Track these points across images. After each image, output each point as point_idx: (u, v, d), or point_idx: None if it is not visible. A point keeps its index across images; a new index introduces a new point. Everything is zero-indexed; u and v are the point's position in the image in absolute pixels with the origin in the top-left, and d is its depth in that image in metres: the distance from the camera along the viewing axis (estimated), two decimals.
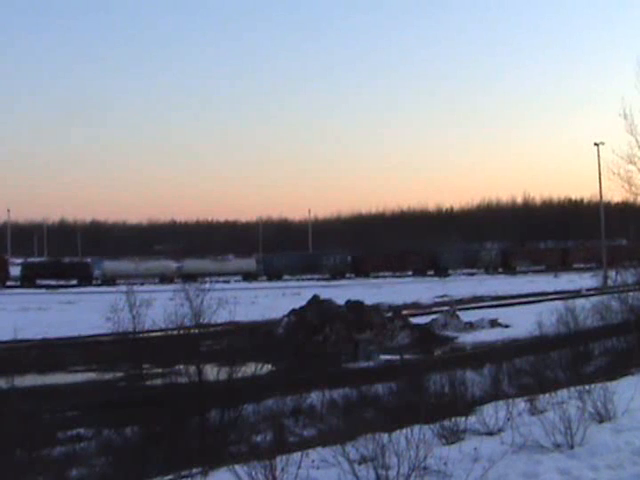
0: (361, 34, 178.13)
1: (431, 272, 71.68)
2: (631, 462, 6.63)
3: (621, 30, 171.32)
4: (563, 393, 9.52)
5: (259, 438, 11.88)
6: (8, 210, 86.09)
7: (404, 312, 30.89)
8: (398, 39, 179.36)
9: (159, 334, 14.19)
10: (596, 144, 51.31)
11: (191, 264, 68.70)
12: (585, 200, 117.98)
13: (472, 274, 70.72)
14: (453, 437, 7.79)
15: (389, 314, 28.22)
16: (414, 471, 5.92)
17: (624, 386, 9.79)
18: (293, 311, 27.06)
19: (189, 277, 63.17)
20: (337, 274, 68.93)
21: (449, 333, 27.34)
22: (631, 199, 26.49)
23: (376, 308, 28.93)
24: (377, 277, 69.47)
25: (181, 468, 8.68)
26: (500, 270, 74.14)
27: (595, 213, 64.58)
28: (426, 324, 28.29)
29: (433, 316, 30.04)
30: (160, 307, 13.71)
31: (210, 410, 13.01)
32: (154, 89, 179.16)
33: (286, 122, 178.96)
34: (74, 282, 61.93)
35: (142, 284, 56.52)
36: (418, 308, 35.95)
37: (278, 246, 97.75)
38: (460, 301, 38.35)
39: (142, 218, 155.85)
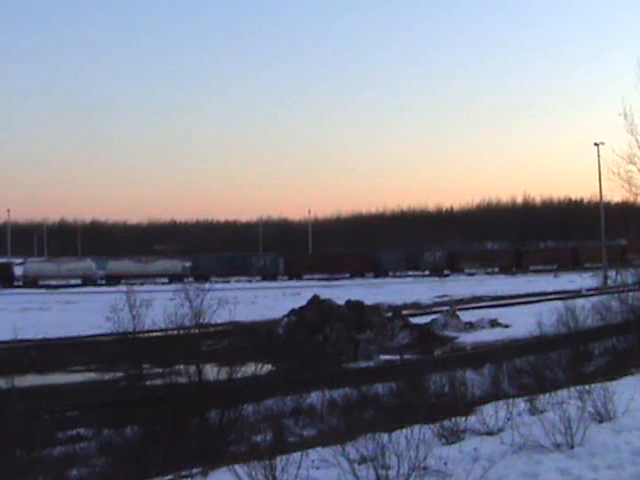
0: (361, 34, 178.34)
1: (370, 274, 70.24)
2: (631, 462, 6.63)
3: (621, 30, 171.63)
4: (563, 393, 9.52)
5: (259, 438, 11.87)
6: (8, 210, 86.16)
7: (404, 312, 30.88)
8: (398, 39, 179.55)
9: (159, 334, 14.19)
10: (596, 144, 51.42)
11: (114, 266, 67.71)
12: (585, 200, 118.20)
13: (415, 276, 69.07)
14: (453, 437, 7.79)
15: (389, 314, 28.22)
16: (414, 471, 5.92)
17: (624, 386, 9.78)
18: (293, 311, 27.06)
19: (113, 279, 63.06)
20: (268, 276, 66.81)
21: (449, 333, 27.33)
22: (631, 199, 26.43)
23: (376, 308, 28.93)
24: (311, 279, 66.66)
25: (181, 468, 8.67)
26: (446, 272, 72.33)
27: (595, 213, 64.65)
28: (426, 324, 28.29)
29: (433, 316, 30.04)
30: (160, 307, 13.71)
31: (210, 410, 13.01)
32: (154, 89, 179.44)
33: (286, 122, 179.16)
34: None
35: (66, 286, 56.19)
36: (418, 308, 35.98)
37: (278, 246, 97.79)
38: (460, 301, 38.39)
39: (142, 218, 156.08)
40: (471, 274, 70.92)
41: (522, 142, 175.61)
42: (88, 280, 62.34)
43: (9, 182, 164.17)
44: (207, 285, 15.02)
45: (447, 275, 70.45)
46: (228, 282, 60.58)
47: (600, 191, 54.47)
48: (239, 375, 13.70)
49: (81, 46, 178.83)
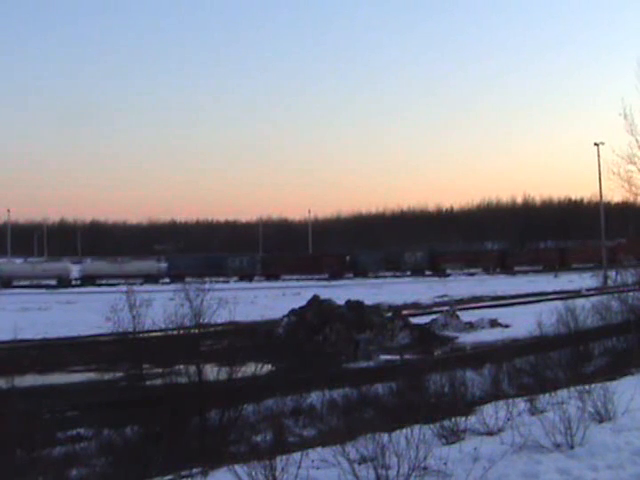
0: (361, 34, 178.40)
1: (349, 275, 69.53)
2: (631, 462, 6.63)
3: (621, 30, 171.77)
4: (563, 393, 9.52)
5: (259, 438, 11.87)
6: (8, 210, 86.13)
7: (404, 312, 30.88)
8: (398, 40, 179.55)
9: (159, 334, 14.18)
10: (596, 144, 51.43)
11: (90, 266, 67.50)
12: (585, 200, 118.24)
13: (396, 276, 68.54)
14: (453, 437, 7.79)
15: (389, 314, 28.20)
16: (414, 471, 5.93)
17: (624, 386, 9.79)
18: (293, 311, 27.06)
19: (88, 279, 62.99)
20: (244, 276, 65.78)
21: (449, 333, 27.32)
22: (631, 199, 26.43)
23: (376, 308, 28.93)
24: (290, 280, 65.77)
25: (181, 468, 8.67)
26: (428, 273, 71.60)
27: (595, 213, 64.64)
28: (426, 324, 28.28)
29: (433, 316, 30.03)
30: (160, 307, 13.70)
31: (210, 410, 13.00)
32: (154, 89, 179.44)
33: (286, 122, 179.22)
34: None
35: (38, 286, 55.76)
36: (418, 308, 35.97)
37: (278, 246, 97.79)
38: (460, 301, 38.37)
39: (142, 218, 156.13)
40: (446, 275, 69.26)
41: (522, 142, 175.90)
42: (63, 281, 61.91)
43: (9, 182, 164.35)
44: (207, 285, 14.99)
45: (430, 275, 69.76)
46: (203, 283, 59.46)
47: (600, 191, 54.52)
48: (239, 375, 13.68)
49: (81, 46, 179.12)
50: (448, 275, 69.06)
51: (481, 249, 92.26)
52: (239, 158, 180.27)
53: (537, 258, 79.11)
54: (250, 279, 65.54)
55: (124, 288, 14.69)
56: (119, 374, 14.81)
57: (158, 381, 13.62)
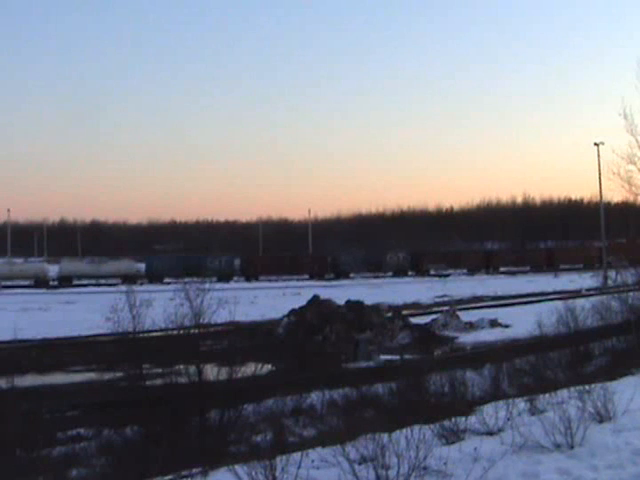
0: (360, 35, 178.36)
1: (330, 275, 69.12)
2: (631, 462, 6.63)
3: (621, 30, 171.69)
4: (563, 393, 9.52)
5: (259, 438, 11.88)
6: (8, 210, 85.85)
7: (404, 312, 30.86)
8: (398, 40, 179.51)
9: (159, 334, 14.19)
10: (596, 144, 51.45)
11: (67, 266, 67.08)
12: (585, 200, 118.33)
13: (377, 277, 68.05)
14: (453, 437, 7.79)
15: (389, 314, 28.19)
16: (414, 471, 5.93)
17: (624, 386, 9.80)
18: (293, 311, 27.05)
19: (65, 279, 62.81)
20: (223, 277, 64.11)
21: (449, 333, 27.32)
22: (631, 199, 26.46)
23: (376, 308, 28.90)
24: (268, 280, 65.65)
25: (181, 468, 8.67)
26: (410, 273, 71.09)
27: (595, 213, 64.63)
28: (426, 324, 28.27)
29: (433, 316, 30.02)
30: (160, 307, 13.71)
31: (210, 410, 13.00)
32: (154, 89, 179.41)
33: (286, 122, 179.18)
34: None
35: (13, 287, 55.38)
36: (418, 308, 35.96)
37: (278, 246, 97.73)
38: (460, 301, 38.37)
39: (142, 218, 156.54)
40: (447, 275, 68.35)
41: (522, 142, 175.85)
42: (39, 281, 61.65)
43: (9, 182, 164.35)
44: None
45: (411, 276, 69.32)
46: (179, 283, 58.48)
47: (600, 191, 54.50)
48: (239, 375, 13.69)
49: (81, 46, 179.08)
50: (448, 275, 68.94)
51: (465, 249, 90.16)
52: (239, 158, 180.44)
53: (524, 259, 78.74)
54: (228, 280, 64.11)
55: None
56: (119, 374, 14.80)
57: (158, 381, 13.63)
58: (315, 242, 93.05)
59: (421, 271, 71.73)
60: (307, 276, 68.42)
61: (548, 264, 76.29)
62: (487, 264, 75.51)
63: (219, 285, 56.31)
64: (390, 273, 70.93)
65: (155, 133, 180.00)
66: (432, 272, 71.30)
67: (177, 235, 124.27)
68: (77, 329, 27.77)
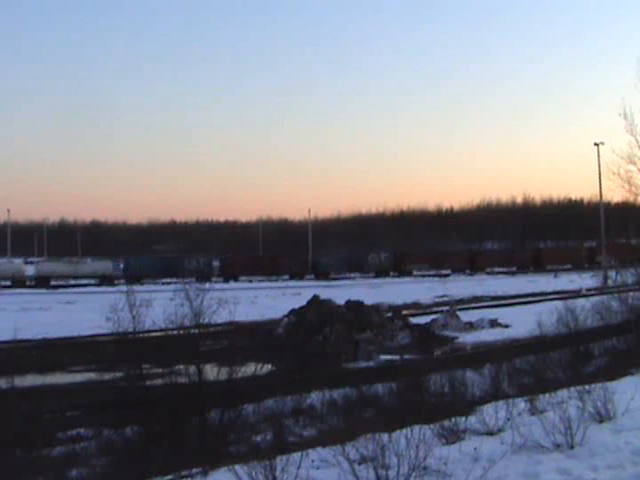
0: (361, 34, 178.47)
1: (310, 276, 68.92)
2: (631, 462, 6.63)
3: (621, 30, 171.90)
4: (563, 393, 9.52)
5: (259, 438, 11.88)
6: (8, 210, 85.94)
7: (404, 312, 30.87)
8: (398, 40, 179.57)
9: (159, 334, 14.18)
10: (596, 144, 51.50)
11: (45, 266, 67.17)
12: (585, 200, 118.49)
13: (359, 278, 67.86)
14: (453, 437, 7.79)
15: (389, 314, 28.20)
16: (414, 471, 5.92)
17: (624, 386, 9.79)
18: (293, 311, 27.04)
19: (43, 279, 62.70)
20: (202, 277, 62.81)
21: (449, 333, 27.31)
22: (631, 199, 26.47)
23: (376, 308, 28.90)
24: (248, 281, 65.32)
25: (181, 468, 8.67)
26: (392, 274, 70.79)
27: (595, 213, 64.64)
28: (426, 324, 28.27)
29: (433, 316, 30.01)
30: (160, 307, 13.70)
31: (210, 410, 12.99)
32: (154, 89, 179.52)
33: (286, 122, 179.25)
34: None
35: None
36: (418, 308, 35.95)
37: (278, 246, 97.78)
38: (460, 301, 38.37)
39: (142, 218, 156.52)
40: (447, 275, 68.11)
41: (522, 142, 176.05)
42: (17, 281, 61.68)
43: (9, 182, 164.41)
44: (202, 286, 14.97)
45: (393, 277, 69.02)
46: (156, 284, 57.55)
47: (600, 191, 54.55)
48: (239, 375, 13.68)
49: (82, 46, 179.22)
50: (448, 275, 68.82)
51: (448, 250, 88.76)
52: (239, 158, 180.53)
53: (510, 259, 78.41)
54: (206, 280, 64.10)
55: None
56: (119, 374, 14.80)
57: (158, 381, 13.61)
58: (315, 242, 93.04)
59: (403, 272, 71.33)
60: (287, 276, 68.22)
61: (535, 265, 76.13)
62: (472, 265, 74.95)
63: (196, 286, 56.34)
64: (372, 274, 70.62)
65: (155, 133, 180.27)
66: (415, 273, 70.96)
67: (177, 235, 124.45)
68: (77, 329, 27.76)
